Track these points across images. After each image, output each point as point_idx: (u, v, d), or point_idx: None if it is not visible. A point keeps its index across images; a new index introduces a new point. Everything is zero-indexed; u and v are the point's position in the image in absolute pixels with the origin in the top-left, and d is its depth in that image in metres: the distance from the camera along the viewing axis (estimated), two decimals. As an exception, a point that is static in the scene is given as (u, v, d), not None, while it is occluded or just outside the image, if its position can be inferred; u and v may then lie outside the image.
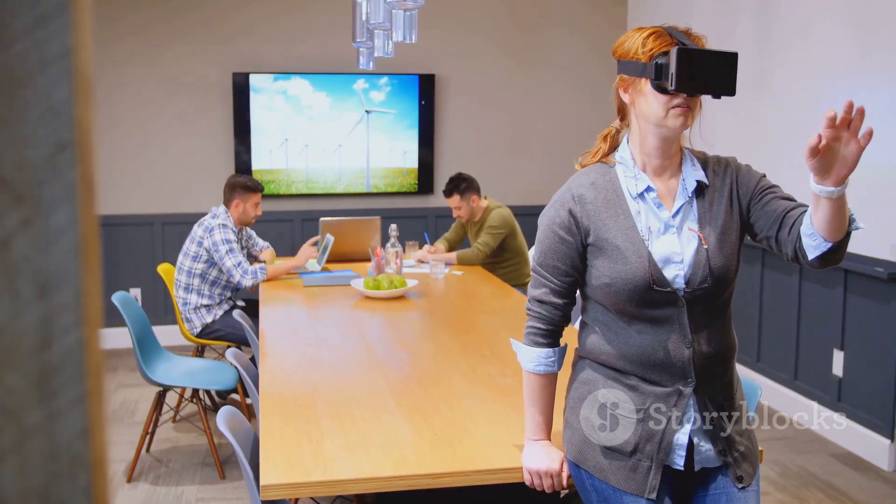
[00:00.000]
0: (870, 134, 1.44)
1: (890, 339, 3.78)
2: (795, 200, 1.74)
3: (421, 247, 4.95)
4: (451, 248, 5.02)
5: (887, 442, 3.80)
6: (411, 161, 6.12)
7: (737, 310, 4.87)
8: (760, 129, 4.68)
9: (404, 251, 4.95)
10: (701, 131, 1.80)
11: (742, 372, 4.80)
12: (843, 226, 1.56)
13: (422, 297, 3.97)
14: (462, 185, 4.75)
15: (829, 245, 1.58)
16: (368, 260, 4.56)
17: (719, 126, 5.04)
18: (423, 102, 6.05)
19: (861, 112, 1.43)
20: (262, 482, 1.82)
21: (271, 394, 2.43)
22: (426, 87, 6.04)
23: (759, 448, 1.97)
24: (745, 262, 4.86)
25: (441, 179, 6.12)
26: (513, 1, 6.18)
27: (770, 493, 3.58)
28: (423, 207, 6.23)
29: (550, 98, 6.24)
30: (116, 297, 3.69)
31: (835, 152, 1.46)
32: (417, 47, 5.96)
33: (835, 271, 4.09)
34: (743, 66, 5.12)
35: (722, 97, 1.65)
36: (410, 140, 6.08)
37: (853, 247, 3.94)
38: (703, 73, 1.62)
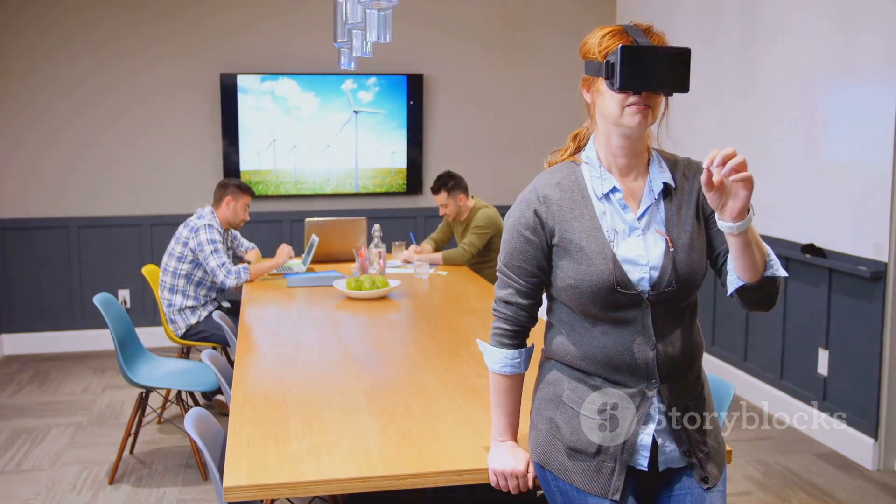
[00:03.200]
0: (746, 180, 1.47)
1: (874, 338, 3.78)
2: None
3: (407, 247, 4.95)
4: (437, 248, 5.02)
5: (871, 441, 3.79)
6: (400, 161, 6.12)
7: (724, 310, 4.90)
8: (744, 129, 4.67)
9: (391, 252, 4.95)
10: (669, 131, 1.78)
11: (729, 371, 4.82)
12: (753, 266, 1.59)
13: (405, 298, 3.96)
14: (450, 182, 4.77)
15: (741, 283, 1.62)
16: (354, 260, 4.55)
17: (704, 126, 5.03)
18: (411, 102, 6.04)
19: (734, 161, 1.46)
20: (225, 483, 1.81)
21: (243, 395, 2.43)
22: (414, 87, 6.04)
23: (728, 448, 1.95)
24: (732, 261, 4.85)
25: (430, 179, 6.12)
26: (501, 0, 6.17)
27: (753, 493, 3.57)
28: (412, 207, 6.22)
29: (539, 97, 6.24)
30: (98, 299, 3.68)
31: (727, 189, 1.51)
32: (405, 47, 5.97)
33: (819, 270, 4.09)
34: (727, 64, 5.14)
35: (675, 94, 1.63)
36: (399, 140, 6.08)
37: (837, 246, 3.96)
38: (651, 70, 1.60)
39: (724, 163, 1.46)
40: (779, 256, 1.69)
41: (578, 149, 1.83)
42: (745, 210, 1.51)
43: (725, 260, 1.71)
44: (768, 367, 4.56)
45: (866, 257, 3.79)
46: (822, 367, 4.11)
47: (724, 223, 1.54)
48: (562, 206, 1.74)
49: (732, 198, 1.50)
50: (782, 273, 1.64)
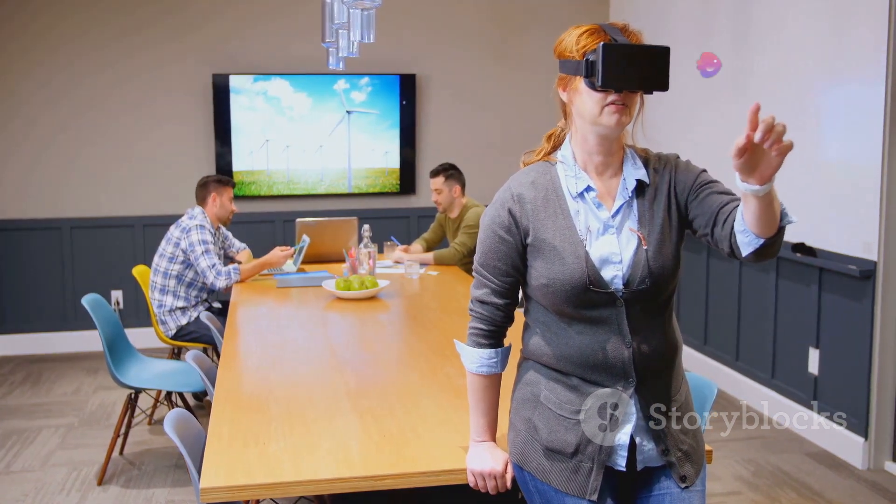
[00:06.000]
0: (788, 147, 1.40)
1: (864, 337, 3.77)
2: (733, 194, 1.69)
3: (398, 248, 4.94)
4: (429, 248, 5.01)
5: (861, 440, 3.79)
6: (393, 161, 6.11)
7: (716, 309, 4.90)
8: (737, 128, 4.65)
9: (382, 252, 4.94)
10: (644, 130, 1.78)
11: (721, 371, 4.81)
12: (773, 221, 1.52)
13: (394, 298, 3.96)
14: (451, 170, 4.80)
15: (762, 241, 1.54)
16: (344, 261, 4.55)
17: (697, 125, 5.03)
18: (404, 102, 6.03)
19: (777, 130, 1.39)
20: (201, 485, 1.81)
21: (226, 396, 2.42)
22: (407, 87, 6.03)
23: (708, 448, 1.95)
24: (723, 261, 4.85)
25: (423, 180, 6.12)
26: (493, 0, 6.16)
27: (743, 493, 3.57)
28: (405, 208, 6.22)
29: (532, 96, 6.23)
30: (86, 300, 3.68)
31: (760, 152, 1.43)
32: (398, 47, 5.96)
33: (809, 269, 4.08)
34: (721, 63, 5.05)
35: (654, 92, 1.62)
36: (392, 140, 6.08)
37: (827, 245, 3.95)
38: (632, 68, 1.59)
39: (767, 132, 1.39)
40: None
41: (554, 148, 1.83)
42: (774, 174, 1.44)
43: (714, 227, 1.66)
44: (760, 366, 4.56)
45: (856, 256, 3.78)
46: (813, 367, 4.11)
47: (749, 186, 1.45)
48: (536, 206, 1.74)
49: (765, 165, 1.43)
50: (794, 218, 1.57)
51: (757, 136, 1.38)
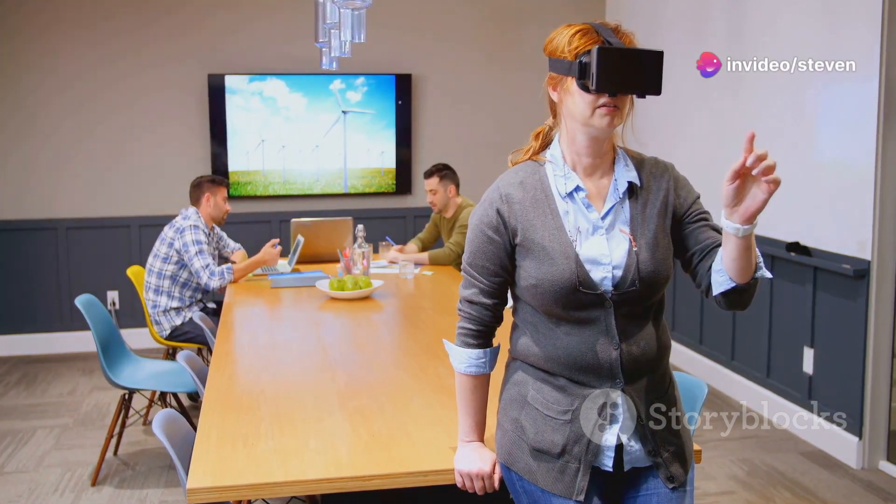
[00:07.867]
0: (776, 181, 1.46)
1: (858, 337, 3.77)
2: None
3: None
4: (424, 248, 5.01)
5: (856, 440, 3.79)
6: (389, 161, 6.11)
7: (711, 310, 4.90)
8: (732, 127, 4.66)
9: (377, 252, 4.94)
10: (634, 131, 1.77)
11: (716, 371, 4.81)
12: (748, 268, 1.58)
13: (389, 298, 3.95)
14: (444, 170, 4.81)
15: (733, 285, 1.60)
16: (339, 261, 4.54)
17: (693, 124, 5.03)
18: (399, 102, 6.03)
19: (768, 162, 1.45)
20: (188, 485, 1.80)
21: (216, 396, 2.42)
22: (403, 87, 6.03)
23: (697, 448, 1.95)
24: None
25: (419, 180, 6.12)
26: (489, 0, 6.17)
27: (737, 493, 3.57)
28: (401, 208, 6.21)
29: (528, 96, 6.22)
30: (80, 301, 3.67)
31: (750, 184, 1.49)
32: (394, 47, 5.96)
33: (804, 269, 4.08)
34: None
35: (647, 96, 1.62)
36: (388, 140, 6.07)
37: (821, 244, 3.95)
38: (626, 72, 1.59)
39: (758, 160, 1.44)
40: (764, 255, 1.67)
41: (542, 147, 1.83)
42: (757, 213, 1.50)
43: (701, 260, 1.70)
44: (755, 366, 4.55)
45: (850, 255, 3.78)
46: (808, 366, 4.11)
47: (731, 224, 1.52)
48: (524, 206, 1.73)
49: (750, 199, 1.49)
50: (768, 274, 1.63)
51: (749, 161, 1.45)
